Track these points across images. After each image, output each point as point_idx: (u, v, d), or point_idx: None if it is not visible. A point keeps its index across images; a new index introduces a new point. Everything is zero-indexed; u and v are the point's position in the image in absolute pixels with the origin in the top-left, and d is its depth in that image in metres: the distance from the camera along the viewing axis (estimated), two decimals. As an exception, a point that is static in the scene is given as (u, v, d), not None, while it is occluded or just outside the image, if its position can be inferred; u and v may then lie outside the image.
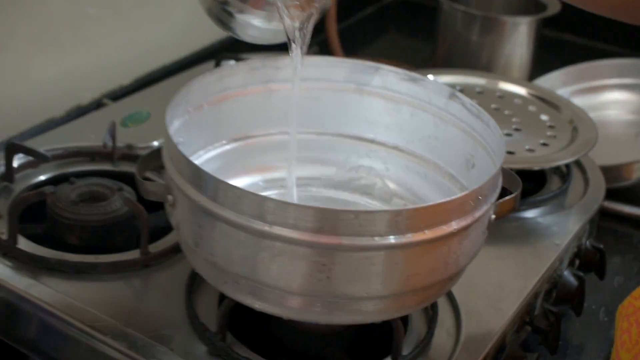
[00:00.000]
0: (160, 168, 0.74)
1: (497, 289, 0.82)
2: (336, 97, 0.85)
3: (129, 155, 0.97)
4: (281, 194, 0.83)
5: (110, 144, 0.93)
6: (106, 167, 0.96)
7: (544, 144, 1.00)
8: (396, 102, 0.84)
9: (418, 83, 0.82)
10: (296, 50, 0.76)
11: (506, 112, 1.07)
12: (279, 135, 0.85)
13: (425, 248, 0.64)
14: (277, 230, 0.62)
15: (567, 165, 1.02)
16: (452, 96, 0.80)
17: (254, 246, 0.63)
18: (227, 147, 0.83)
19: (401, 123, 0.84)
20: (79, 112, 1.08)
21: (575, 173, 1.03)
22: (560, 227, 0.94)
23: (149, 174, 0.89)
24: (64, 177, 0.92)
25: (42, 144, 0.94)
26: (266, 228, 0.62)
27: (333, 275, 0.63)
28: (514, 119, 1.05)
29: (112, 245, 0.85)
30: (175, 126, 0.75)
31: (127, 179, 0.93)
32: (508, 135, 1.01)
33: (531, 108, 1.08)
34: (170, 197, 0.69)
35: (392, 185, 0.85)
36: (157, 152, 0.73)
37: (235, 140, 0.84)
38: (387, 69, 0.83)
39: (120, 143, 0.98)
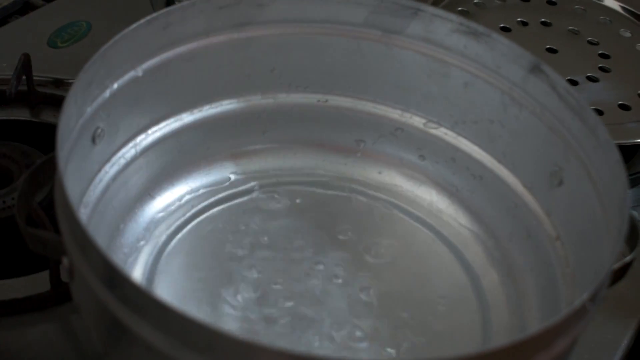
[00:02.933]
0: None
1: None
2: (351, 48, 0.55)
3: (56, 98, 0.68)
4: (266, 198, 0.56)
5: (13, 91, 0.64)
6: (20, 115, 0.67)
7: (644, 96, 0.71)
8: (443, 63, 0.54)
9: (481, 40, 0.52)
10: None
11: (588, 38, 0.76)
12: (260, 100, 0.56)
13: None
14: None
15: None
16: (534, 69, 0.50)
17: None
18: (181, 123, 0.55)
19: (449, 94, 0.55)
20: (-6, 18, 0.78)
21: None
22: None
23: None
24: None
25: None
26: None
27: None
28: (599, 51, 0.75)
29: (16, 260, 0.58)
30: (86, 116, 0.46)
31: (52, 135, 0.66)
32: (592, 79, 0.71)
33: (624, 32, 0.77)
34: (66, 261, 0.42)
35: (424, 189, 0.57)
36: (49, 164, 0.45)
37: (194, 112, 0.55)
38: (432, 12, 0.53)
39: (44, 75, 0.69)
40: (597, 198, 0.47)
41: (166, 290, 0.48)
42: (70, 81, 0.69)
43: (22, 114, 0.67)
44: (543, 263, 0.50)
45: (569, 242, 0.49)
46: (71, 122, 0.44)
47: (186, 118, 0.55)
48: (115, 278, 0.37)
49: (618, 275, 0.45)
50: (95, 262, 0.38)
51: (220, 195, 0.55)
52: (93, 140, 0.48)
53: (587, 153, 0.48)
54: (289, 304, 0.49)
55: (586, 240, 0.47)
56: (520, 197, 0.53)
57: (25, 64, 0.65)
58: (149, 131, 0.53)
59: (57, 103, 0.67)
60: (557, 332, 0.37)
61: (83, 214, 0.47)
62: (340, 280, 0.51)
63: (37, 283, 0.55)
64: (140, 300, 0.36)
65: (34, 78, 0.67)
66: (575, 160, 0.49)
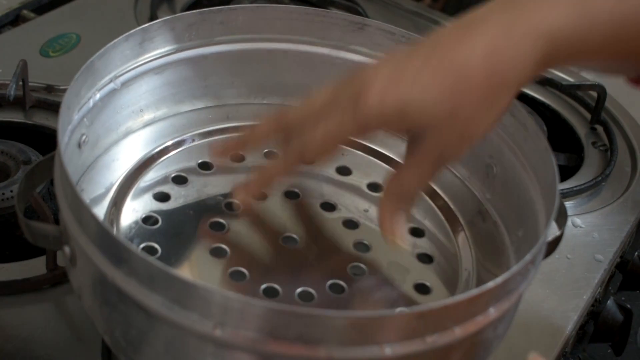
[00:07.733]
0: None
1: (522, 336, 0.61)
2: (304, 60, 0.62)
3: (47, 102, 0.74)
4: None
5: (12, 93, 0.70)
6: (15, 117, 0.74)
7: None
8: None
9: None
10: None
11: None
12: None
13: (454, 348, 0.45)
14: (230, 335, 0.42)
15: (610, 137, 0.80)
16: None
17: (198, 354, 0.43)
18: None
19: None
20: (-12, 30, 0.84)
21: (621, 146, 0.80)
22: (602, 232, 0.71)
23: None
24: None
25: None
26: (217, 332, 0.41)
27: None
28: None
29: (13, 249, 0.64)
30: (74, 124, 0.53)
31: (43, 136, 0.73)
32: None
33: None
34: (67, 250, 0.48)
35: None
36: (48, 163, 0.52)
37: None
38: (376, 26, 0.60)
39: (37, 82, 0.75)
40: (530, 183, 0.54)
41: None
42: (61, 87, 0.75)
43: (16, 117, 0.74)
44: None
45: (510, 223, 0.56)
46: (65, 121, 0.51)
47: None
48: (118, 249, 0.43)
49: (551, 247, 0.52)
50: (96, 236, 0.44)
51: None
52: (79, 146, 0.54)
53: (519, 145, 0.54)
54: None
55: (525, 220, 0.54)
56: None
57: (23, 70, 0.71)
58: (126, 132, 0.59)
59: (48, 107, 0.74)
60: (507, 286, 0.45)
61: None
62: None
63: (34, 267, 0.61)
64: (144, 269, 0.41)
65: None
66: (508, 151, 0.55)
